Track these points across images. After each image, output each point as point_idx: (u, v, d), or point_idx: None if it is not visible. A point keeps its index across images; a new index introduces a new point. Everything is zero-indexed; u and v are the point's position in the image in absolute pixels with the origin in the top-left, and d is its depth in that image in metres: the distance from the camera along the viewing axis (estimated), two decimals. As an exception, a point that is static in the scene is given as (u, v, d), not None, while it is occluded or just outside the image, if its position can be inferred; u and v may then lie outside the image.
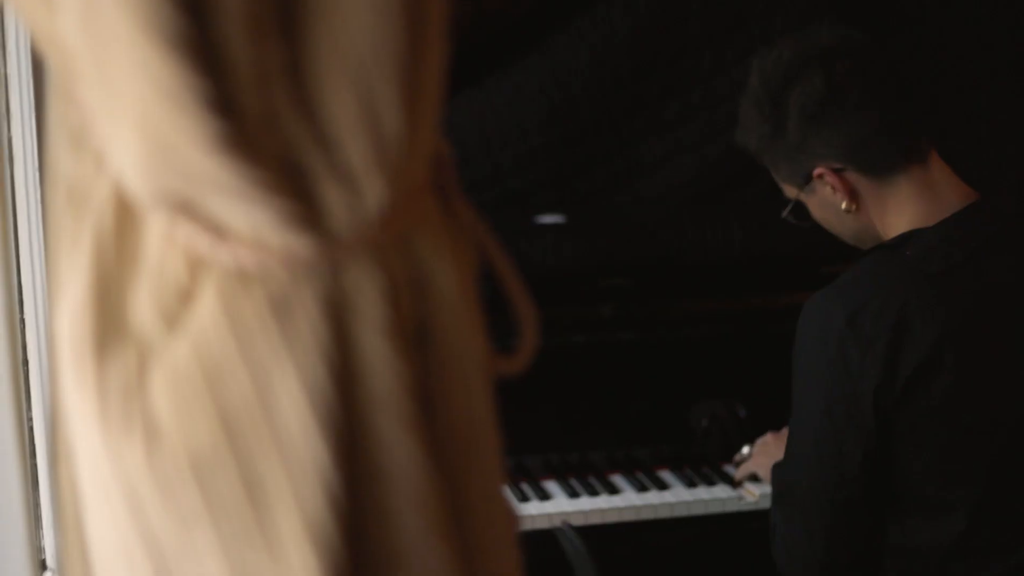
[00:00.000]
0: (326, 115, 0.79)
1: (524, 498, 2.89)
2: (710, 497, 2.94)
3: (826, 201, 2.23)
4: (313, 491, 0.81)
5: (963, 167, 2.24)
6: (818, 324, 2.11)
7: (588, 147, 3.16)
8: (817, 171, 2.18)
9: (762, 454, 2.84)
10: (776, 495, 2.30)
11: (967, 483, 2.08)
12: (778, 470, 2.28)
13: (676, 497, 2.93)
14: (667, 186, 3.20)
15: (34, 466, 2.38)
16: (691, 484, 2.99)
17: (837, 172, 2.17)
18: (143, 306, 0.83)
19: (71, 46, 0.79)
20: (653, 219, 3.15)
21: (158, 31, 0.74)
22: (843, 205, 2.19)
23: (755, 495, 2.89)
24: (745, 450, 2.97)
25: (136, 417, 0.83)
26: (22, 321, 2.35)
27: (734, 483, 2.95)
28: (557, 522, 2.77)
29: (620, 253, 3.10)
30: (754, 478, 2.92)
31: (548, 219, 3.12)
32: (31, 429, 2.37)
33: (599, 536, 2.84)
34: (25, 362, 2.36)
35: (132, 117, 0.78)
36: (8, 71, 2.27)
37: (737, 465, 2.99)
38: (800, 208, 2.30)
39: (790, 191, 2.29)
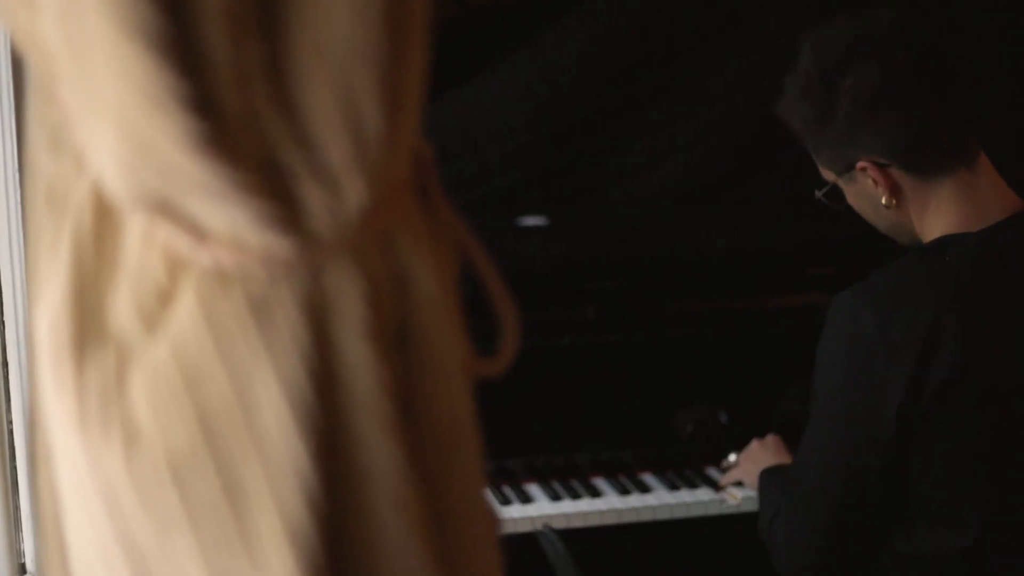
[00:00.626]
0: (306, 115, 0.79)
1: (506, 501, 2.89)
2: (692, 500, 2.94)
3: (865, 192, 2.18)
4: (293, 493, 0.81)
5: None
6: (846, 325, 2.06)
7: (576, 146, 3.15)
8: (861, 164, 2.12)
9: (748, 461, 2.83)
10: (784, 484, 2.28)
11: (980, 498, 2.06)
12: (790, 464, 2.25)
13: (658, 500, 2.93)
14: (656, 186, 3.19)
15: (14, 469, 2.37)
16: (673, 487, 2.99)
17: (881, 167, 2.11)
18: (122, 307, 0.83)
19: (51, 46, 0.79)
20: (640, 219, 3.15)
21: (137, 31, 0.74)
22: (883, 200, 2.13)
23: (738, 499, 2.89)
24: (732, 457, 2.97)
25: (115, 419, 0.82)
26: (1, 323, 2.35)
27: (717, 487, 2.95)
28: (539, 525, 2.77)
29: (606, 254, 3.09)
30: (739, 483, 2.92)
31: (534, 219, 3.11)
32: (11, 432, 2.37)
33: (581, 539, 2.84)
34: (4, 364, 2.36)
35: (111, 117, 0.77)
36: (-12, 73, 2.27)
37: (723, 471, 2.99)
38: (836, 192, 2.25)
39: (828, 175, 2.24)
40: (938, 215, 2.12)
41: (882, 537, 2.15)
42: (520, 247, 3.02)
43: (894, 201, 2.13)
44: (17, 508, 2.37)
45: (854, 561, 2.18)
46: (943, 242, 2.09)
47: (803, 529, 2.17)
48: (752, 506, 2.93)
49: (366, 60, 0.78)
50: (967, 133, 2.12)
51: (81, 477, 0.84)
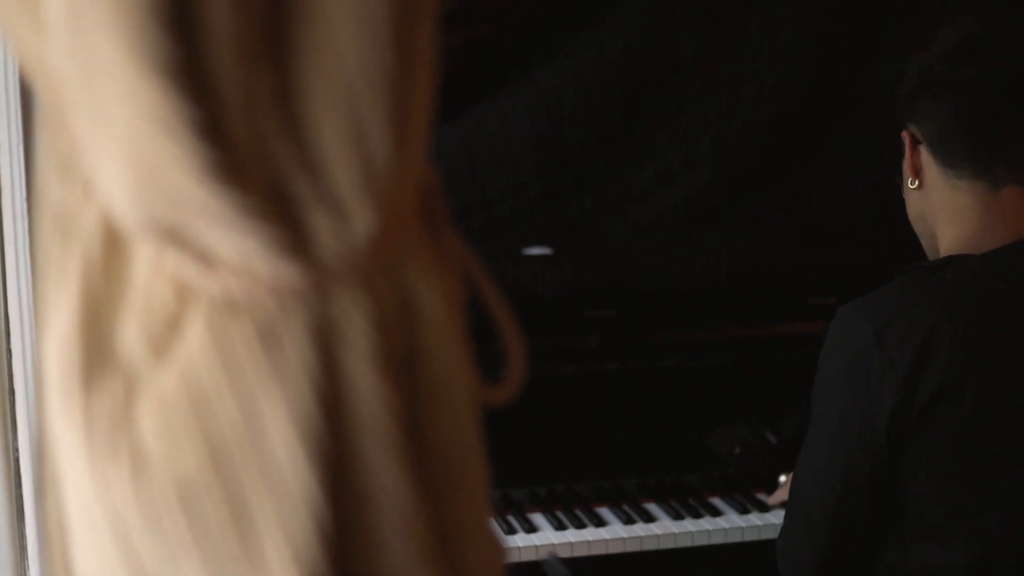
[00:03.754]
0: (314, 141, 0.79)
1: (511, 530, 2.89)
2: (696, 529, 2.94)
3: (904, 173, 2.25)
4: (300, 518, 0.81)
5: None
6: (845, 335, 2.10)
7: (576, 173, 3.16)
8: (904, 132, 2.21)
9: None
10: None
11: (974, 515, 2.07)
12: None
13: (663, 529, 2.93)
14: (656, 213, 3.19)
15: (19, 496, 2.37)
16: (677, 516, 2.99)
17: (914, 143, 2.19)
18: (131, 334, 0.83)
19: (60, 72, 0.79)
20: (640, 246, 3.15)
21: (147, 57, 0.75)
22: (909, 179, 2.21)
23: None
24: (783, 478, 2.98)
25: (123, 446, 0.82)
26: (8, 351, 2.35)
27: (769, 505, 2.97)
28: (544, 554, 2.77)
29: (607, 281, 3.10)
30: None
31: (535, 247, 3.12)
32: (17, 459, 2.36)
33: (586, 568, 2.84)
34: (11, 391, 2.35)
35: (120, 144, 0.78)
36: (-4, 100, 2.28)
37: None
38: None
39: None
40: (951, 223, 2.16)
41: (878, 552, 2.16)
42: (521, 275, 3.02)
43: (917, 182, 2.20)
44: (23, 535, 2.37)
45: (854, 572, 2.19)
46: (947, 260, 2.12)
47: (801, 539, 2.20)
48: (753, 535, 2.94)
49: (374, 87, 0.79)
50: (1000, 157, 2.13)
51: (89, 503, 0.84)
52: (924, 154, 2.18)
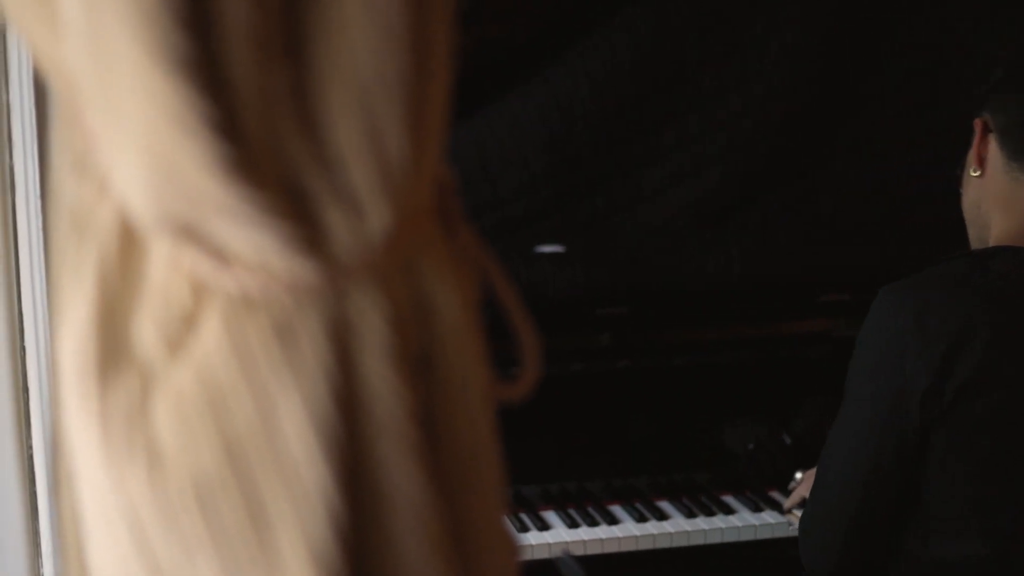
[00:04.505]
0: (331, 139, 0.79)
1: (523, 528, 2.89)
2: (709, 527, 2.93)
3: (968, 161, 2.26)
4: (317, 516, 0.81)
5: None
6: (886, 313, 2.12)
7: (588, 173, 3.16)
8: (977, 120, 2.22)
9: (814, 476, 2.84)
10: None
11: (996, 507, 2.08)
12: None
13: (675, 527, 2.93)
14: (667, 212, 3.19)
15: (34, 493, 2.37)
16: (690, 514, 2.98)
17: (984, 131, 2.21)
18: (146, 331, 0.83)
19: (76, 69, 0.79)
20: (652, 246, 3.15)
21: (164, 54, 0.75)
22: (972, 166, 2.23)
23: None
24: (798, 475, 2.97)
25: (139, 443, 0.82)
26: (23, 348, 2.35)
27: (783, 511, 2.96)
28: (556, 552, 2.77)
29: (619, 280, 3.10)
30: (803, 505, 2.91)
31: (547, 246, 3.12)
32: (31, 456, 2.37)
33: (599, 565, 2.84)
34: (26, 389, 2.36)
35: (137, 140, 0.78)
36: (10, 99, 2.28)
37: (789, 492, 2.99)
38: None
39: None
40: (1004, 211, 2.20)
41: (899, 541, 2.16)
42: (533, 274, 3.02)
43: (980, 171, 2.22)
44: (37, 532, 2.37)
45: (872, 565, 2.19)
46: (995, 251, 2.16)
47: (826, 520, 2.20)
48: (766, 533, 2.93)
49: (390, 84, 0.79)
50: None
51: (105, 500, 0.84)
52: (992, 144, 2.20)
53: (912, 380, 2.06)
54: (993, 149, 2.20)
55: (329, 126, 0.79)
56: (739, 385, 3.11)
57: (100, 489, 0.85)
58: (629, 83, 3.14)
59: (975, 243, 2.27)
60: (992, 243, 2.20)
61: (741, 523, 2.96)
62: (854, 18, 3.22)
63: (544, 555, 2.81)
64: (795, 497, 2.94)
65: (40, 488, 2.36)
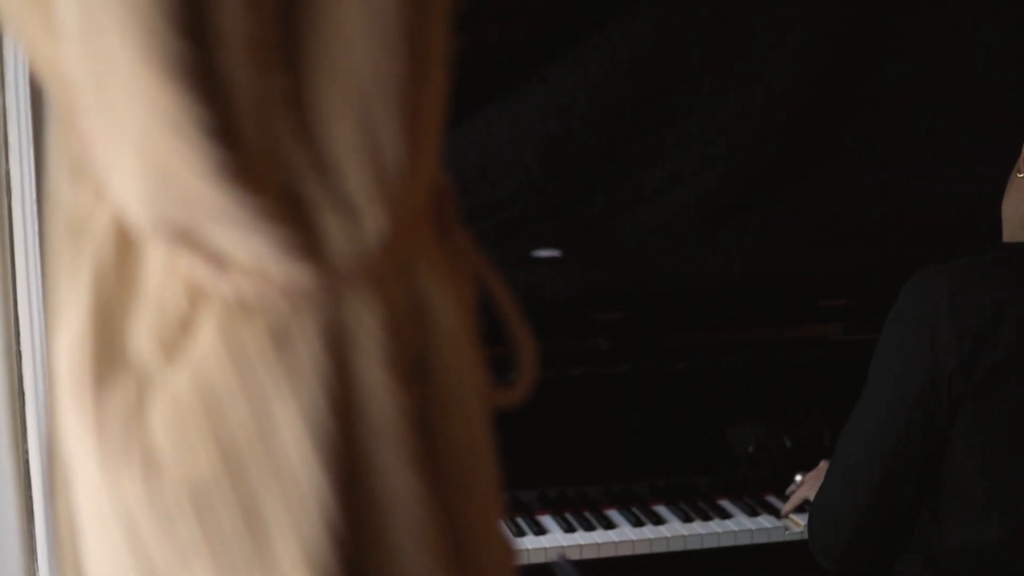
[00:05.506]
0: (327, 143, 0.79)
1: (520, 532, 2.89)
2: (705, 531, 2.93)
3: (1018, 165, 2.28)
4: (312, 521, 0.81)
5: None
6: (919, 296, 2.14)
7: (587, 176, 3.16)
8: None
9: (816, 478, 2.83)
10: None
11: (1014, 493, 2.10)
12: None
13: (672, 531, 2.93)
14: (665, 216, 3.19)
15: (30, 498, 2.37)
16: (686, 518, 2.98)
17: None
18: (143, 336, 0.83)
19: (72, 74, 0.79)
20: (651, 247, 3.15)
21: (160, 59, 0.75)
22: (1018, 168, 2.26)
23: (800, 525, 2.88)
24: (797, 478, 2.97)
25: (135, 448, 0.82)
26: (19, 353, 2.35)
27: (780, 515, 2.95)
28: (553, 556, 2.77)
29: (618, 283, 3.10)
30: (801, 509, 2.91)
31: (546, 249, 3.12)
32: (27, 461, 2.37)
33: (596, 569, 2.84)
34: (22, 393, 2.36)
35: (133, 145, 0.78)
36: (7, 103, 2.28)
37: (786, 496, 2.99)
38: None
39: None
40: None
41: (913, 527, 2.17)
42: (532, 277, 3.02)
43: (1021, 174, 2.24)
44: (33, 536, 2.37)
45: (884, 548, 2.20)
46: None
47: (843, 499, 2.20)
48: (763, 538, 2.93)
49: (386, 89, 0.79)
50: None
51: (100, 505, 0.84)
52: None
53: (943, 359, 2.07)
54: None
55: (325, 131, 0.79)
56: (738, 389, 3.11)
57: (96, 493, 0.85)
58: (628, 84, 3.14)
59: (1008, 239, 2.30)
60: None
61: (738, 527, 2.96)
62: (854, 18, 3.22)
63: (541, 559, 2.81)
64: (795, 500, 2.94)
65: (36, 492, 2.36)
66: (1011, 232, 2.29)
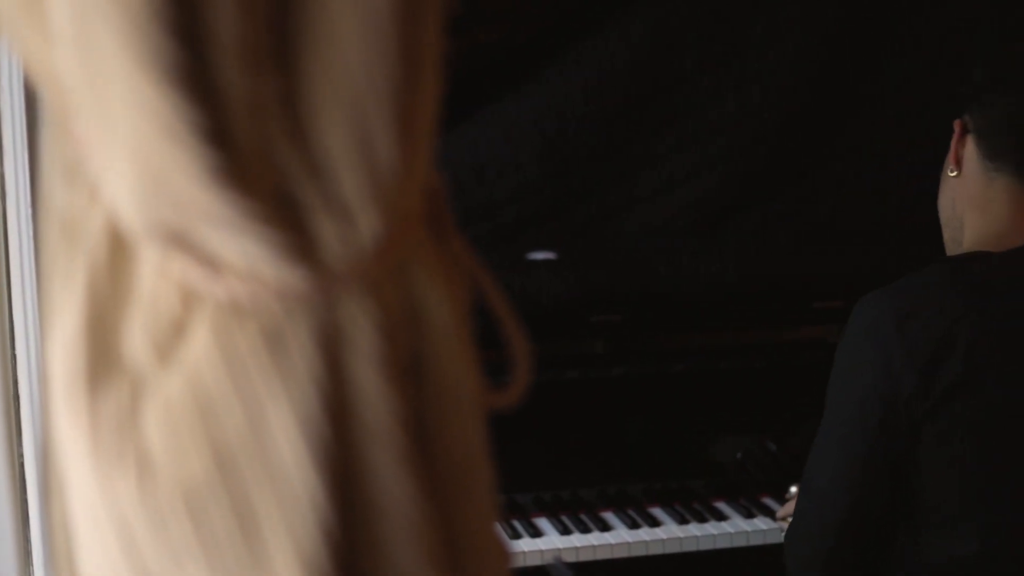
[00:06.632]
0: (320, 146, 0.79)
1: (516, 535, 2.88)
2: (701, 534, 2.94)
3: (946, 162, 2.28)
4: (307, 524, 0.81)
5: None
6: (868, 321, 2.13)
7: (583, 178, 3.16)
8: (958, 120, 2.24)
9: None
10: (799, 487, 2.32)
11: (986, 506, 2.09)
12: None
13: (668, 534, 2.93)
14: (661, 219, 3.19)
15: (25, 501, 2.37)
16: (682, 521, 2.98)
17: (963, 132, 2.23)
18: (136, 339, 0.83)
19: (65, 77, 0.79)
20: (646, 252, 3.15)
21: (153, 62, 0.75)
22: (949, 167, 2.25)
23: None
24: (793, 489, 2.97)
25: (129, 451, 0.82)
26: (14, 356, 2.35)
27: (776, 518, 2.96)
28: (549, 559, 2.77)
29: (613, 286, 3.10)
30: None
31: (541, 252, 3.12)
32: (22, 464, 2.37)
33: (591, 572, 2.84)
34: (16, 396, 2.36)
35: (126, 149, 0.78)
36: (1, 106, 2.28)
37: (786, 499, 3.00)
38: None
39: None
40: (981, 214, 2.21)
41: (889, 542, 2.17)
42: (527, 280, 3.02)
43: (957, 171, 2.24)
44: (28, 540, 2.37)
45: (861, 566, 2.20)
46: (971, 256, 2.17)
47: (812, 530, 2.20)
48: (759, 539, 2.93)
49: (380, 92, 0.79)
50: None
51: (94, 509, 0.84)
52: (970, 144, 2.22)
53: (898, 385, 2.06)
54: (971, 149, 2.22)
55: (319, 133, 0.79)
56: (733, 391, 3.11)
57: (90, 497, 0.84)
58: (624, 86, 3.14)
59: (949, 243, 2.30)
60: (966, 244, 2.22)
61: (733, 529, 2.96)
62: (854, 19, 3.22)
63: (536, 562, 2.81)
64: (790, 506, 2.94)
65: (31, 496, 2.36)
66: (949, 235, 2.29)
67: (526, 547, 2.82)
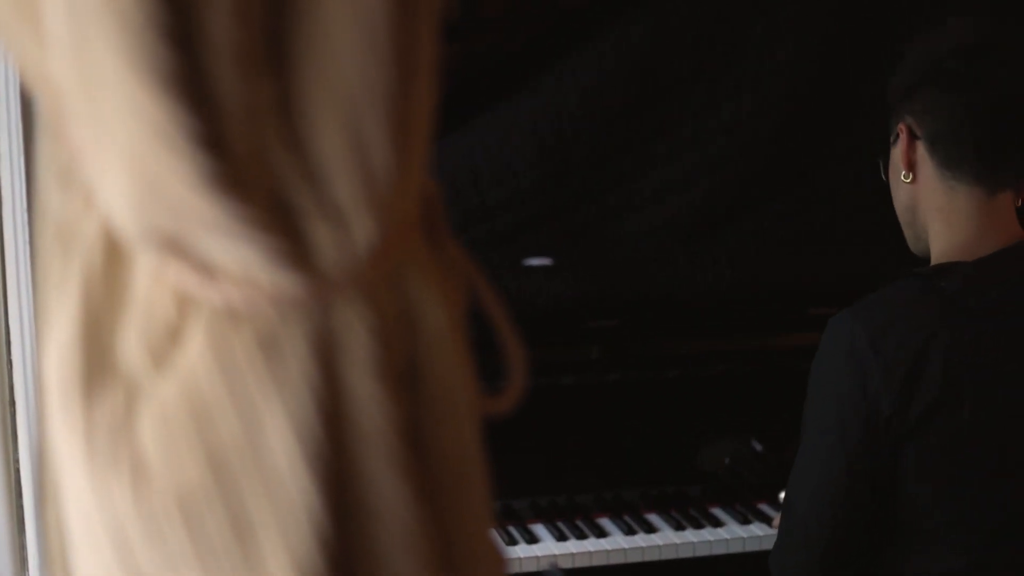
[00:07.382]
0: (315, 152, 0.79)
1: (512, 541, 2.88)
2: (697, 540, 2.93)
3: (895, 161, 2.21)
4: (302, 531, 0.81)
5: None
6: (841, 341, 2.09)
7: (578, 184, 3.15)
8: (901, 125, 2.16)
9: None
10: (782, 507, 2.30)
11: (972, 521, 2.07)
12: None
13: (664, 540, 2.93)
14: (658, 223, 3.19)
15: (21, 506, 2.37)
16: (678, 526, 2.98)
17: (912, 137, 2.14)
18: (131, 345, 0.83)
19: (61, 83, 0.79)
20: (642, 257, 3.15)
21: (148, 68, 0.75)
22: (902, 172, 2.17)
23: None
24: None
25: (124, 456, 0.82)
26: (9, 361, 2.35)
27: (772, 523, 2.95)
28: (545, 565, 2.76)
29: (609, 292, 3.09)
30: None
31: (537, 258, 3.11)
32: (18, 469, 2.37)
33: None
34: (12, 402, 2.36)
35: (121, 154, 0.78)
36: (-3, 112, 2.28)
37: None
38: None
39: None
40: (947, 226, 2.15)
41: (876, 559, 2.15)
42: (522, 285, 3.02)
43: (911, 176, 2.16)
44: (24, 545, 2.37)
45: None
46: (940, 268, 2.12)
47: (797, 555, 2.18)
48: (755, 545, 2.93)
49: (375, 97, 0.79)
50: (1002, 164, 2.12)
51: (89, 514, 0.84)
52: (920, 150, 2.15)
53: (876, 403, 2.04)
54: (923, 156, 2.15)
55: (314, 139, 0.79)
56: (729, 397, 3.11)
57: (85, 502, 0.84)
58: (621, 92, 3.14)
59: (913, 245, 2.23)
60: (934, 256, 2.17)
61: (730, 535, 2.96)
62: (850, 24, 3.21)
63: (532, 568, 2.81)
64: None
65: (27, 501, 2.35)
66: (912, 237, 2.24)
67: (522, 553, 2.82)
